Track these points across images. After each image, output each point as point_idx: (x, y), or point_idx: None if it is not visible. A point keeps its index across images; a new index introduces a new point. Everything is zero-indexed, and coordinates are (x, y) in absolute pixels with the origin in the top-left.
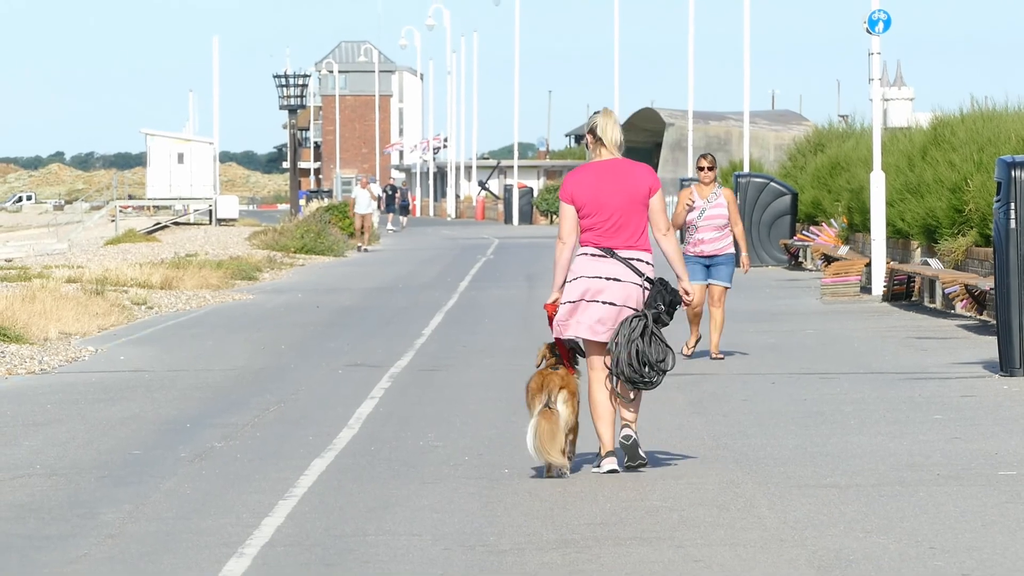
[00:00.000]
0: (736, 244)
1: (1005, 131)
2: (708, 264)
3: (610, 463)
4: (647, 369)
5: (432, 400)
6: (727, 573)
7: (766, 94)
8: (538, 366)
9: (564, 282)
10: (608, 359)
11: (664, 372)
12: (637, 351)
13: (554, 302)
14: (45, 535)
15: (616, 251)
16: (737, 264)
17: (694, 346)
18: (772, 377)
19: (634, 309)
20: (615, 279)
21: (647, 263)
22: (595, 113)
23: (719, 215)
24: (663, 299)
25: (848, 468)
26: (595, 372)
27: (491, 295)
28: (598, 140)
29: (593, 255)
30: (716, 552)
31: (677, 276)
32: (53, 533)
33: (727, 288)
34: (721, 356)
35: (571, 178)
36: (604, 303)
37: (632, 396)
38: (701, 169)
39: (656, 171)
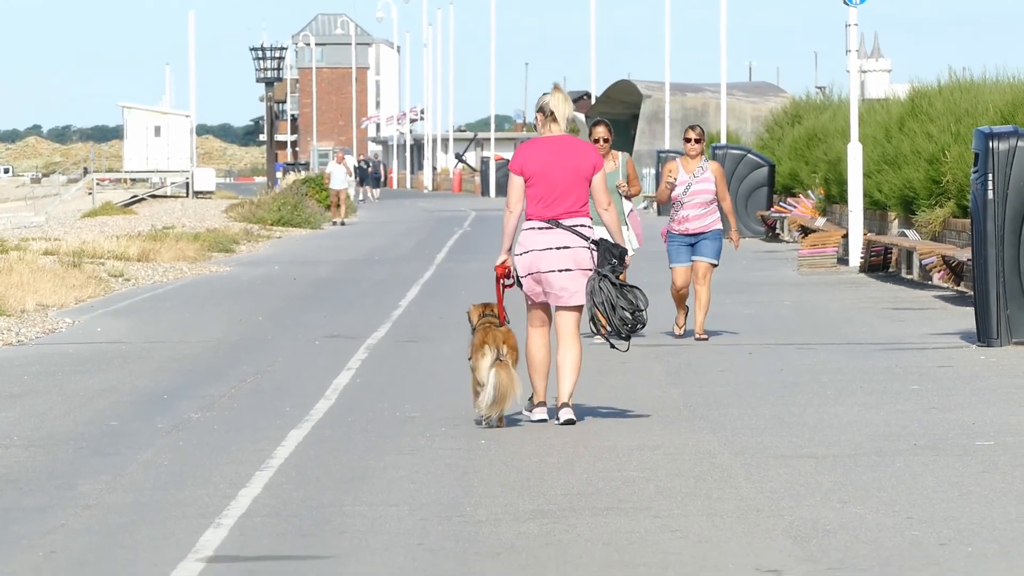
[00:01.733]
0: (724, 219)
1: (983, 102)
2: (693, 242)
3: (540, 412)
4: (638, 314)
5: (409, 371)
6: (704, 543)
7: (743, 66)
8: (473, 325)
9: (511, 246)
10: (577, 318)
11: (646, 307)
12: (623, 307)
13: (502, 264)
14: (22, 506)
15: (560, 221)
16: (726, 237)
17: (684, 324)
18: (749, 348)
19: (588, 270)
20: (564, 247)
21: (589, 227)
22: (544, 94)
23: (706, 190)
24: (612, 255)
25: (825, 438)
26: (534, 328)
27: (468, 267)
28: (549, 116)
29: (540, 228)
30: (693, 522)
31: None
32: (30, 504)
33: (714, 265)
34: (706, 336)
35: (521, 151)
36: (561, 271)
37: (627, 348)
38: (688, 141)
39: (633, 143)
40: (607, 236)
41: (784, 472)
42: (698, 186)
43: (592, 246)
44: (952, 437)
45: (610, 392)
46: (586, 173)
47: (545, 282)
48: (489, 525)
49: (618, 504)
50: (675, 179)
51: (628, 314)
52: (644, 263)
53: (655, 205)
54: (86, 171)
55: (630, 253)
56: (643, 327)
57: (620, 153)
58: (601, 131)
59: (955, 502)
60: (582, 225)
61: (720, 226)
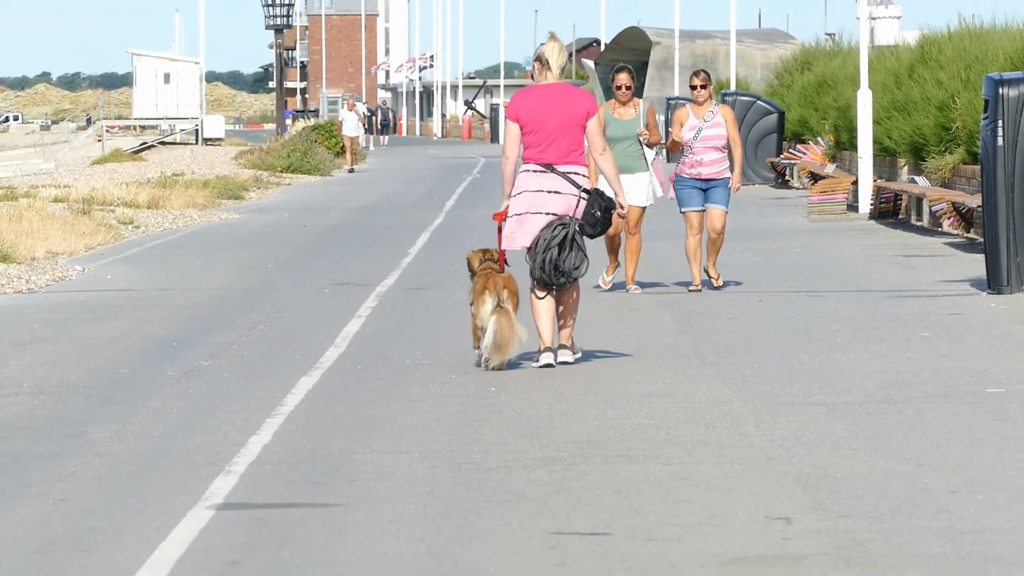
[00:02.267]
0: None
1: (992, 49)
2: (705, 188)
3: (547, 357)
4: (558, 274)
5: (419, 319)
6: (714, 491)
7: (753, 13)
8: (473, 271)
9: (511, 193)
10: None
11: (575, 279)
12: (552, 258)
13: (504, 210)
14: (33, 453)
15: (555, 166)
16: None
17: (700, 278)
18: (759, 295)
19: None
20: (555, 191)
21: (583, 176)
22: (541, 43)
23: (717, 135)
24: (599, 206)
25: (835, 386)
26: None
27: (477, 213)
28: (544, 65)
29: (535, 171)
30: (703, 470)
31: (615, 192)
32: (41, 451)
33: (726, 212)
34: (722, 284)
35: (517, 99)
36: (546, 214)
37: (542, 295)
38: (694, 88)
39: (643, 91)
40: (605, 187)
41: (794, 420)
42: (709, 131)
43: (583, 194)
44: (963, 385)
45: (620, 339)
46: (579, 119)
47: (528, 221)
48: (499, 472)
49: (628, 451)
50: (680, 131)
51: (553, 268)
52: (649, 211)
53: (665, 152)
54: (89, 120)
55: (650, 201)
56: (562, 287)
57: (640, 100)
58: (624, 77)
59: (965, 449)
60: (576, 173)
61: (731, 172)
